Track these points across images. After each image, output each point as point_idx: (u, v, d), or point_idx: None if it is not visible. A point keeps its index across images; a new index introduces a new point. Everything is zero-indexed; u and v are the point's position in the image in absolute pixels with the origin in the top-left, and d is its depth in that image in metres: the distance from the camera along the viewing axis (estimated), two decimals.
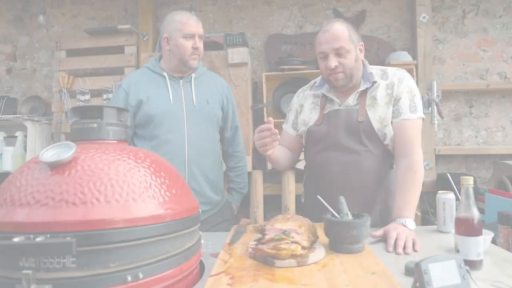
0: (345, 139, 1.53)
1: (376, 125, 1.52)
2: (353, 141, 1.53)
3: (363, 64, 1.60)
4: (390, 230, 1.28)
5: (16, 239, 0.68)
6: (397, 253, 1.18)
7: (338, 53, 1.49)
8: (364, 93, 1.56)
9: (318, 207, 1.55)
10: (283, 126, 1.81)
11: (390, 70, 1.61)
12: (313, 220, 1.27)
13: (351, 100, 1.57)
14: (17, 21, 3.75)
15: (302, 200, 1.82)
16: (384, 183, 1.57)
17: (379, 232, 1.32)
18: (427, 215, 2.83)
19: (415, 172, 1.45)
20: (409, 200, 1.40)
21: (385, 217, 1.57)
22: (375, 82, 1.55)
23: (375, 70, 1.60)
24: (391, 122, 1.53)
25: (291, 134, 1.76)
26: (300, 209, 1.96)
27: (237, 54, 2.99)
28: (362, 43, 1.58)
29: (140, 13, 3.49)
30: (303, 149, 1.79)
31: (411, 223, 1.34)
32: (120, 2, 3.64)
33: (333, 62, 1.49)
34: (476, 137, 3.24)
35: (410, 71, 3.00)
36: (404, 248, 1.20)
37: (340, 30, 1.50)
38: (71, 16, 3.70)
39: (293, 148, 1.78)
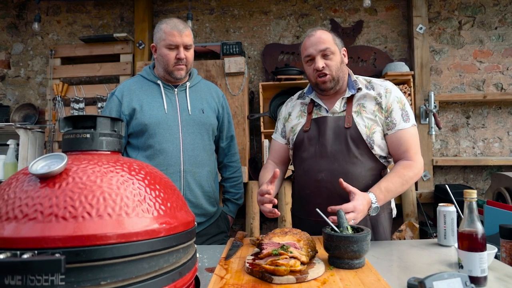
0: (332, 145, 1.54)
1: (363, 130, 1.52)
2: (340, 148, 1.53)
3: (348, 73, 1.64)
4: (352, 203, 1.31)
5: (1, 256, 0.65)
6: (331, 209, 1.27)
7: (324, 54, 1.55)
8: (350, 100, 1.59)
9: (306, 215, 1.55)
10: (273, 136, 1.84)
11: (375, 81, 1.63)
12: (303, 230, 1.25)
13: (338, 106, 1.59)
14: (12, 28, 3.73)
15: (291, 210, 1.80)
16: None
17: (348, 187, 1.36)
18: (425, 226, 2.81)
19: (409, 168, 1.48)
20: (387, 187, 1.43)
21: (375, 228, 1.56)
22: (360, 89, 1.59)
23: (359, 79, 1.64)
24: (386, 135, 1.55)
25: (281, 143, 1.78)
26: None
27: (233, 63, 2.98)
28: (345, 48, 1.64)
29: (137, 21, 3.48)
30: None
31: (374, 199, 1.39)
32: (117, 10, 3.63)
33: (320, 63, 1.54)
34: (474, 148, 3.24)
35: (407, 82, 3.02)
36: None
37: (324, 33, 1.58)
38: (67, 24, 3.68)
39: (284, 159, 1.80)
